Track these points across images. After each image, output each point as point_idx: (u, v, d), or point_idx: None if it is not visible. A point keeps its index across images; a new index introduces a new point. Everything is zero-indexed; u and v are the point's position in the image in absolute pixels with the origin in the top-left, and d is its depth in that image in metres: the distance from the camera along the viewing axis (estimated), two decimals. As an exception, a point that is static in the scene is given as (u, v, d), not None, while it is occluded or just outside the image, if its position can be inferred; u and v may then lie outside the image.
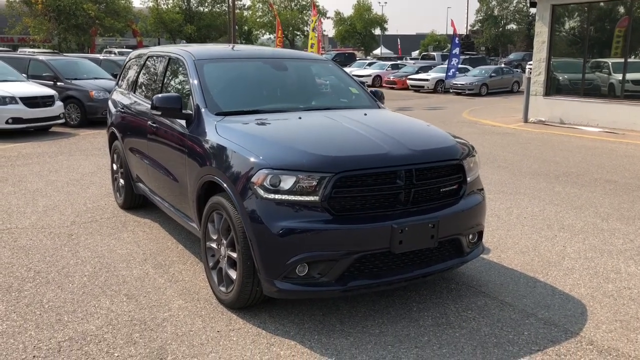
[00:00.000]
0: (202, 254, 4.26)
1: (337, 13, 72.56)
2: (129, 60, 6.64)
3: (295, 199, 3.46)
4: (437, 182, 3.83)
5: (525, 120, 15.36)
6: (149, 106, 4.83)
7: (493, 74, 28.79)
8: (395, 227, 3.53)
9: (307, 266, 3.49)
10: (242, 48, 6.06)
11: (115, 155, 6.57)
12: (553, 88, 15.50)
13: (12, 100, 11.92)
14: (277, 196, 3.46)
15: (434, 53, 44.89)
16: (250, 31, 56.40)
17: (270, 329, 3.67)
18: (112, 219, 6.11)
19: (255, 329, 3.66)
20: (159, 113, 4.51)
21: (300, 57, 5.61)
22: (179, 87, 4.94)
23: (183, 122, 4.53)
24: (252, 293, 3.72)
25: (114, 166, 6.66)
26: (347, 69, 35.54)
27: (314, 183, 3.45)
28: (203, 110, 4.37)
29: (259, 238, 3.50)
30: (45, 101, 12.50)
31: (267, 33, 55.74)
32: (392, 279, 3.69)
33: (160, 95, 4.50)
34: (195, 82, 4.61)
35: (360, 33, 72.43)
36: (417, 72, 32.61)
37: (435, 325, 3.74)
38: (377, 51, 74.30)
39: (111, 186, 7.03)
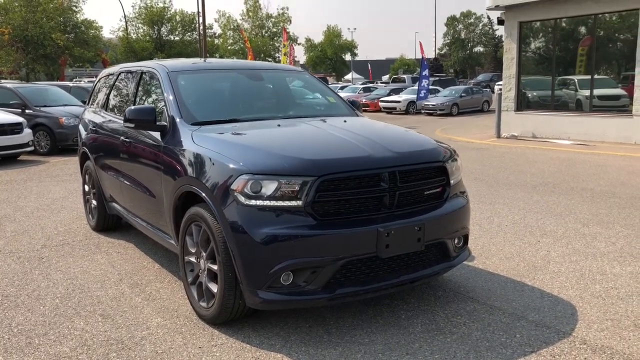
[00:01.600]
0: (180, 269, 4.10)
1: (308, 39, 73.24)
2: (99, 80, 6.49)
3: (278, 204, 3.34)
4: (421, 184, 3.76)
5: (498, 135, 15.52)
6: (122, 122, 4.69)
7: (463, 94, 29.20)
8: (381, 230, 3.43)
9: (292, 274, 3.36)
10: (215, 61, 5.98)
11: (87, 176, 6.38)
12: (524, 103, 15.74)
13: (-19, 127, 11.62)
14: (258, 202, 3.34)
15: (404, 76, 45.44)
16: (222, 58, 56.46)
17: (255, 342, 3.51)
18: (85, 241, 5.90)
19: (238, 344, 3.50)
20: (132, 125, 4.36)
21: (275, 68, 5.55)
22: (153, 99, 4.81)
23: (157, 134, 4.39)
24: (234, 306, 3.57)
25: (86, 187, 6.45)
26: (319, 93, 35.81)
27: (297, 188, 3.34)
28: (178, 120, 4.25)
29: (241, 247, 3.36)
30: (13, 129, 12.20)
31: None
32: (380, 285, 3.57)
33: (132, 107, 4.37)
34: (170, 93, 4.49)
35: (331, 59, 73.13)
36: (388, 95, 32.93)
37: (425, 331, 3.63)
38: (349, 76, 75.02)
39: (83, 209, 6.81)
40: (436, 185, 3.87)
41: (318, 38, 79.80)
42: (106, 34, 46.79)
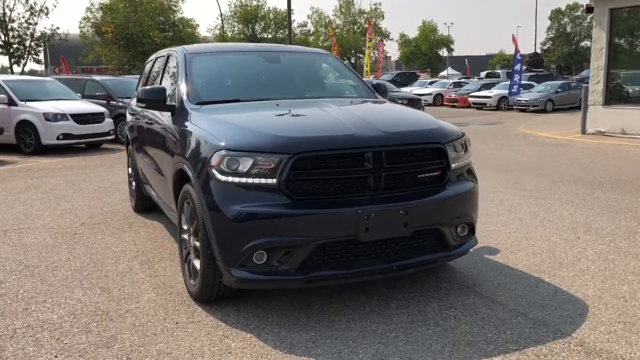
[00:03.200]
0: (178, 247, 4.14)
1: (402, 35, 72.29)
2: (144, 67, 6.72)
3: (253, 181, 3.27)
4: (413, 166, 3.54)
5: (583, 131, 14.51)
6: None
7: (559, 90, 27.56)
8: (360, 212, 3.27)
9: (266, 254, 3.28)
10: (240, 44, 5.99)
11: (129, 160, 6.63)
12: (614, 97, 14.59)
13: (63, 117, 12.43)
14: (234, 179, 3.29)
15: (499, 71, 43.75)
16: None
17: (232, 322, 3.47)
18: (122, 220, 6.12)
19: (215, 322, 3.47)
20: (144, 105, 4.47)
21: (298, 50, 5.47)
22: (172, 81, 4.89)
23: (168, 114, 4.46)
24: (214, 284, 3.54)
25: (129, 170, 6.71)
26: (408, 88, 35.18)
27: (272, 165, 3.25)
28: (184, 99, 4.29)
29: (215, 223, 3.33)
30: (95, 118, 12.97)
31: (330, 56, 56.24)
32: (361, 270, 3.41)
33: (144, 87, 4.46)
34: (182, 74, 4.55)
35: (425, 54, 71.75)
36: (479, 90, 31.79)
37: (409, 322, 3.42)
38: (445, 72, 73.26)
39: (133, 192, 7.10)
40: (433, 168, 3.64)
41: (413, 33, 78.44)
42: (203, 31, 48.65)
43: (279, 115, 3.82)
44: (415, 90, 34.71)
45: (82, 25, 38.32)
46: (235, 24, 49.29)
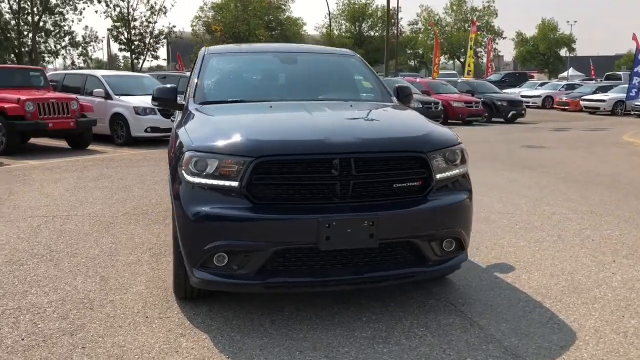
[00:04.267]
0: (173, 243, 4.25)
1: (519, 33, 69.04)
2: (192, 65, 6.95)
3: (216, 183, 3.28)
4: (387, 175, 3.37)
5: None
6: None
7: (686, 95, 25.06)
8: (321, 220, 3.17)
9: (227, 256, 3.27)
10: (265, 45, 6.01)
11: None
12: None
13: (152, 111, 13.16)
14: (200, 180, 3.31)
15: (621, 72, 40.53)
16: (423, 54, 56.13)
17: (197, 320, 3.50)
18: (161, 212, 6.38)
19: (181, 320, 3.52)
20: (156, 104, 4.62)
21: (321, 51, 5.40)
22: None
23: (180, 113, 4.58)
24: (185, 283, 3.60)
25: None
26: (516, 89, 33.59)
27: (235, 168, 3.24)
28: (190, 99, 4.39)
29: (180, 222, 3.38)
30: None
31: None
32: (324, 280, 3.32)
33: (158, 86, 4.61)
34: (196, 73, 4.66)
35: (543, 54, 68.07)
36: (594, 92, 29.67)
37: (370, 337, 3.27)
38: (565, 74, 69.05)
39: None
40: (411, 177, 3.44)
41: (531, 32, 74.64)
42: (310, 30, 49.41)
43: (261, 117, 3.79)
44: (523, 92, 33.09)
45: (194, 23, 40.44)
46: (342, 22, 49.68)
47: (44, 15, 35.17)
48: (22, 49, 34.88)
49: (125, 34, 38.53)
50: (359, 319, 3.51)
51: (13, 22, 34.64)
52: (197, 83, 4.53)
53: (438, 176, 3.50)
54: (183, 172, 3.37)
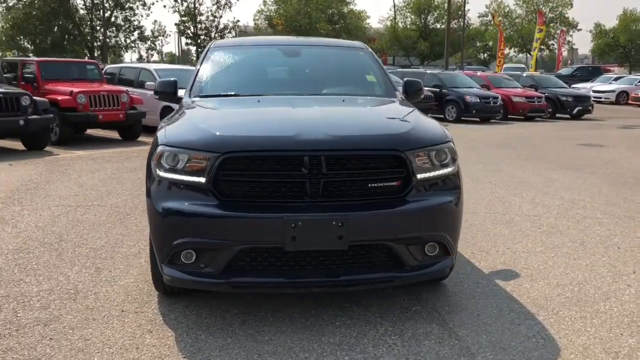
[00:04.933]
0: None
1: (597, 25, 65.65)
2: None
3: (185, 179, 3.23)
4: (361, 174, 3.21)
5: None
6: None
7: None
8: (287, 220, 3.06)
9: (195, 254, 3.22)
10: (272, 38, 5.91)
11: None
12: None
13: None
14: (169, 175, 3.27)
15: None
16: (492, 47, 54.34)
17: (170, 317, 3.48)
18: (180, 205, 6.42)
19: (154, 316, 3.50)
20: (157, 97, 4.63)
21: (328, 44, 5.25)
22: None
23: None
24: (162, 279, 3.57)
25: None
26: (588, 84, 31.96)
27: (203, 164, 3.18)
28: (187, 92, 4.37)
29: (150, 218, 3.36)
30: None
31: (508, 47, 53.00)
32: (293, 282, 3.20)
33: (160, 80, 4.62)
34: (198, 66, 4.65)
35: (624, 47, 64.48)
36: (671, 88, 27.87)
37: (336, 344, 3.13)
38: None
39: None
40: (388, 177, 3.26)
41: (610, 23, 70.78)
42: (374, 23, 48.90)
43: (240, 112, 3.72)
44: (595, 87, 31.48)
45: (256, 17, 40.94)
46: (407, 14, 48.86)
47: (115, 11, 36.57)
48: (95, 44, 36.40)
49: (192, 28, 39.48)
50: (332, 323, 3.38)
51: (87, 17, 36.18)
52: (196, 77, 4.51)
53: (419, 176, 3.30)
54: (155, 167, 3.34)
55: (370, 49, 5.13)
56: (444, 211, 3.37)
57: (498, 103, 19.24)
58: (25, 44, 36.39)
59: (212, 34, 40.17)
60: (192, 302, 3.66)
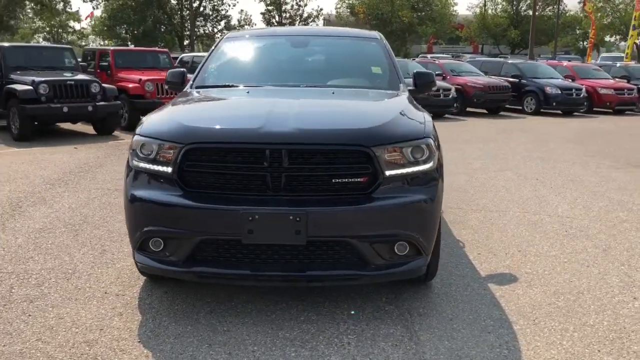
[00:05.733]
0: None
1: None
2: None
3: (154, 168, 3.30)
4: (324, 169, 3.14)
5: None
6: None
7: None
8: (243, 213, 3.06)
9: (163, 242, 3.29)
10: (285, 29, 5.87)
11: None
12: None
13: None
14: (141, 164, 3.35)
15: None
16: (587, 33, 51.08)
17: (145, 302, 3.59)
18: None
19: (131, 299, 3.62)
20: (167, 87, 4.75)
21: (339, 34, 5.16)
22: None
23: (186, 97, 4.68)
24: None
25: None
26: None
27: (170, 154, 3.24)
28: (189, 84, 4.46)
29: (124, 205, 3.46)
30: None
31: (609, 35, 49.55)
32: (252, 274, 3.20)
33: (171, 70, 4.74)
34: (206, 57, 4.72)
35: None
36: None
37: (289, 339, 3.11)
38: None
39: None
40: (354, 173, 3.17)
41: None
42: (462, 10, 47.31)
43: (219, 103, 3.74)
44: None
45: (338, 6, 40.86)
46: (499, 1, 46.87)
47: (204, 1, 37.82)
48: (185, 33, 37.84)
49: (277, 17, 40.08)
50: (297, 318, 3.35)
51: (177, 7, 37.67)
52: (202, 67, 4.58)
53: (388, 173, 3.18)
54: (130, 155, 3.44)
55: (384, 40, 4.98)
56: (414, 210, 3.23)
57: (581, 95, 18.14)
58: (124, 33, 38.43)
59: (297, 23, 40.57)
60: (172, 289, 3.75)
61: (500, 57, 30.35)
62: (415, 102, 4.08)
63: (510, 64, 20.35)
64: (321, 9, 40.60)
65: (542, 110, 18.18)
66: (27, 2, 30.64)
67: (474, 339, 3.11)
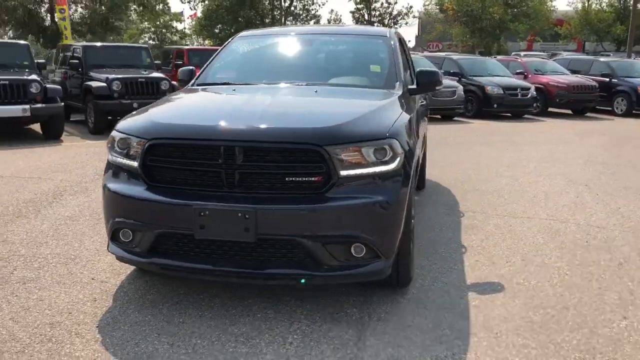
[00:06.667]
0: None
1: None
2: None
3: (125, 162, 3.45)
4: (278, 167, 3.14)
5: None
6: None
7: None
8: (195, 208, 3.13)
9: (132, 233, 3.44)
10: (295, 28, 5.85)
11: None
12: None
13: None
14: (115, 158, 3.53)
15: None
16: None
17: (123, 290, 3.73)
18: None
19: (112, 287, 3.77)
20: (178, 85, 4.93)
21: (347, 32, 5.09)
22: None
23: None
24: None
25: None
26: None
27: (138, 149, 3.38)
28: (192, 81, 4.60)
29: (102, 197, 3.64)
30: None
31: None
32: (209, 269, 3.28)
33: (182, 68, 4.92)
34: (213, 56, 4.84)
35: None
36: None
37: (236, 335, 3.14)
38: None
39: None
40: (307, 172, 3.15)
41: None
42: (562, 6, 44.64)
43: (196, 100, 3.85)
44: None
45: (426, 3, 40.06)
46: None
47: (295, 0, 38.49)
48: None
49: (366, 15, 39.98)
50: (254, 314, 3.37)
51: (268, 7, 38.58)
52: (208, 64, 4.71)
53: (344, 173, 3.13)
54: (108, 150, 3.61)
55: (395, 37, 4.85)
56: (370, 211, 3.16)
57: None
58: (218, 33, 39.91)
59: (386, 21, 40.27)
60: (153, 279, 3.89)
61: (602, 55, 28.53)
62: (404, 101, 3.97)
63: (601, 62, 19.09)
64: (411, 7, 39.96)
65: (634, 111, 16.94)
66: (130, 4, 32.51)
67: (421, 349, 2.99)
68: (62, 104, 10.37)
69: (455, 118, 15.18)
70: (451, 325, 3.25)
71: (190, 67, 4.87)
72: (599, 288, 3.80)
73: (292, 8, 38.96)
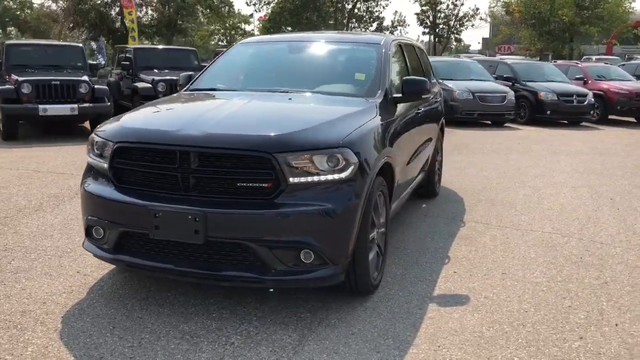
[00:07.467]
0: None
1: None
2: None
3: (98, 164, 3.67)
4: (229, 173, 3.26)
5: None
6: None
7: None
8: (150, 209, 3.30)
9: (102, 230, 3.64)
10: (293, 35, 5.87)
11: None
12: None
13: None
14: (91, 159, 3.76)
15: None
16: None
17: (100, 284, 3.95)
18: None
19: (92, 280, 4.00)
20: (178, 88, 5.13)
21: (341, 40, 5.12)
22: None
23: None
24: None
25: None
26: None
27: (108, 151, 3.58)
28: (186, 86, 4.79)
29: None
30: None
31: None
32: (165, 267, 3.43)
33: (182, 74, 5.12)
34: (209, 62, 5.02)
35: None
36: None
37: (183, 332, 3.27)
38: None
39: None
40: (257, 178, 3.24)
41: None
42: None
43: (169, 105, 4.03)
44: None
45: (492, 5, 39.00)
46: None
47: (358, 2, 38.52)
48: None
49: (431, 17, 39.50)
50: (210, 314, 3.49)
51: (332, 9, 38.82)
52: (204, 69, 4.90)
53: (294, 180, 3.21)
54: (87, 151, 3.84)
55: (389, 45, 4.83)
56: (316, 218, 3.22)
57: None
58: (284, 35, 40.68)
59: (451, 23, 39.64)
60: (132, 275, 4.09)
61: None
62: (379, 110, 3.99)
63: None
64: (477, 9, 39.10)
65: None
66: (198, 7, 33.65)
67: (356, 357, 3.01)
68: (109, 103, 10.83)
69: (506, 124, 14.81)
70: (396, 336, 3.25)
71: (190, 73, 5.06)
72: (569, 307, 3.68)
73: (355, 10, 39.02)
